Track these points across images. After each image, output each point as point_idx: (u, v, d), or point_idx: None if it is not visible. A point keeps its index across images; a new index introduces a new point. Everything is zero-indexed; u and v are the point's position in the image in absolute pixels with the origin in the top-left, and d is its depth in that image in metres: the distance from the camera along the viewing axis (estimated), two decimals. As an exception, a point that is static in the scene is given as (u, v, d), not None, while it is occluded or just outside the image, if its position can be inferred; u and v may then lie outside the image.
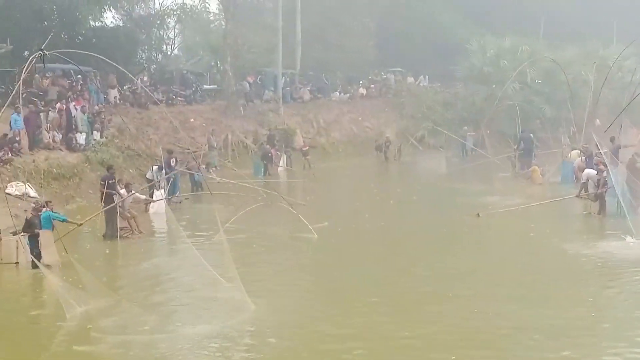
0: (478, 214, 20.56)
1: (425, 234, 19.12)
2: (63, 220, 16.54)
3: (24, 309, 12.80)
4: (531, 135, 33.55)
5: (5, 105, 19.49)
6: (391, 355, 9.90)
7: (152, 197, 23.34)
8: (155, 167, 25.48)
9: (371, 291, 13.16)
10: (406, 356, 9.90)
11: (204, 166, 29.93)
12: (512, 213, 20.91)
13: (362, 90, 48.56)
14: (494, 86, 44.14)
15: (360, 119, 46.17)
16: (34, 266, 14.95)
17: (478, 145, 43.09)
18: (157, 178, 24.16)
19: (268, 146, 35.00)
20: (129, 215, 19.41)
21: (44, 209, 16.54)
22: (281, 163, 35.15)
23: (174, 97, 37.50)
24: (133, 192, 21.07)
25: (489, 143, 36.84)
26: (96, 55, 24.38)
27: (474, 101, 46.43)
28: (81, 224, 16.92)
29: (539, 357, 9.66)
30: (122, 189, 19.93)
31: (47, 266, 14.00)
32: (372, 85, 49.63)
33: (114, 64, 24.39)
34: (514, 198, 23.69)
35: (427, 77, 52.63)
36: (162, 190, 23.49)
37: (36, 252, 15.29)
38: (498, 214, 20.74)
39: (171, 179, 24.81)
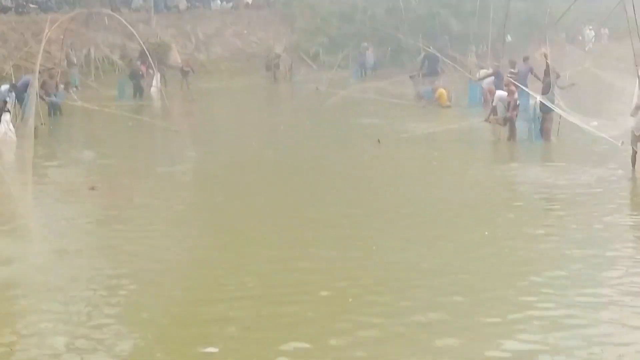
0: (378, 140, 20.80)
1: (318, 165, 19.11)
2: None
3: None
4: (436, 53, 33.95)
5: None
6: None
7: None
8: (4, 87, 24.37)
9: (249, 235, 12.96)
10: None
11: (62, 86, 28.93)
12: (415, 139, 21.22)
13: (247, -1, 47.89)
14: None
15: (245, 32, 45.62)
16: None
17: (379, 64, 43.52)
18: (7, 99, 23.19)
19: (138, 62, 34.09)
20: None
21: None
22: (154, 83, 34.37)
23: (25, 3, 35.90)
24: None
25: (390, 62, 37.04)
26: None
27: (375, 14, 46.49)
28: None
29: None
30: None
31: None
32: (259, -7, 49.02)
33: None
34: (417, 123, 24.01)
35: (321, -15, 52.23)
36: (9, 114, 22.60)
37: None
38: (399, 141, 21.01)
39: (24, 101, 23.82)
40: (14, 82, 24.90)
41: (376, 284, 10.22)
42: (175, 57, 38.62)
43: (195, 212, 14.57)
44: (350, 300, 9.62)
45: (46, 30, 32.12)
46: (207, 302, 9.71)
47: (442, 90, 29.39)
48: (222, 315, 9.21)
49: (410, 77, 32.84)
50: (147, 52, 31.68)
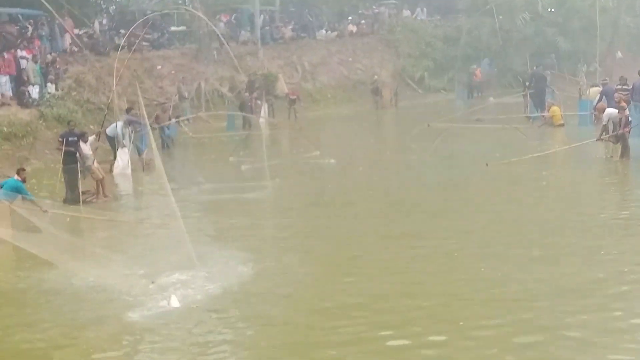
0: (487, 163, 20.55)
1: (425, 189, 19.11)
2: (30, 199, 16.21)
3: None
4: (544, 72, 33.45)
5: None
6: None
7: (116, 156, 23.25)
8: (120, 123, 25.19)
9: (359, 254, 13.19)
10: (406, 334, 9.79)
11: (174, 119, 29.80)
12: (525, 161, 20.85)
13: (352, 27, 48.21)
14: (500, 17, 43.91)
15: (350, 59, 45.93)
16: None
17: (485, 86, 43.19)
18: (122, 134, 23.98)
19: (247, 94, 34.76)
20: (100, 175, 19.31)
21: (15, 176, 16.25)
22: (262, 113, 35.00)
23: (137, 41, 37.04)
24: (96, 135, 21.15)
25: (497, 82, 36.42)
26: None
27: (479, 35, 46.17)
28: (46, 211, 16.43)
29: (553, 324, 9.65)
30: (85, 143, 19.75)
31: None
32: (363, 21, 49.30)
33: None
34: (528, 144, 23.62)
35: (424, 9, 52.29)
36: (127, 149, 23.40)
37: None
38: (509, 163, 20.68)
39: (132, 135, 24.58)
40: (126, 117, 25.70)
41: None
42: (282, 87, 39.17)
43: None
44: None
45: (159, 67, 33.33)
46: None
47: (555, 108, 28.78)
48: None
49: (523, 95, 32.45)
50: (253, 84, 32.33)
